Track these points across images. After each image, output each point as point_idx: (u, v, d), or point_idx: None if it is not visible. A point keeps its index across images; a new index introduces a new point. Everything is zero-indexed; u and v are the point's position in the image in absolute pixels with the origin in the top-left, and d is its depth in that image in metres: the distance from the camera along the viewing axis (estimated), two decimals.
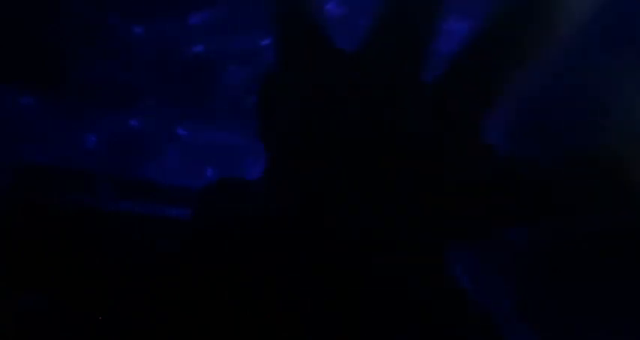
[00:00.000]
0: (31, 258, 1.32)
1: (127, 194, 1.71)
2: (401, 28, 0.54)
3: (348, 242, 0.51)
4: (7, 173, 1.56)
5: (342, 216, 0.53)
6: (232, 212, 0.65)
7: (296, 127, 0.54)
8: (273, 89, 0.66)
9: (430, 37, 0.52)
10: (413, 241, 0.50)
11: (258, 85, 0.72)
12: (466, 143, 0.49)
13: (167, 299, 0.69)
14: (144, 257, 1.32)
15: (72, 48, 1.81)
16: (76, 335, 1.19)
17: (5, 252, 1.27)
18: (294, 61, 0.59)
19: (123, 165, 1.97)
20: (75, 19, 1.77)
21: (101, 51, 1.95)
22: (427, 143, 0.49)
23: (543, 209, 0.50)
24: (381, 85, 0.51)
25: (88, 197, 1.64)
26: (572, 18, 0.53)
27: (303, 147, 0.53)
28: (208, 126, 2.51)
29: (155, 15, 1.93)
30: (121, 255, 1.39)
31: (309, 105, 0.54)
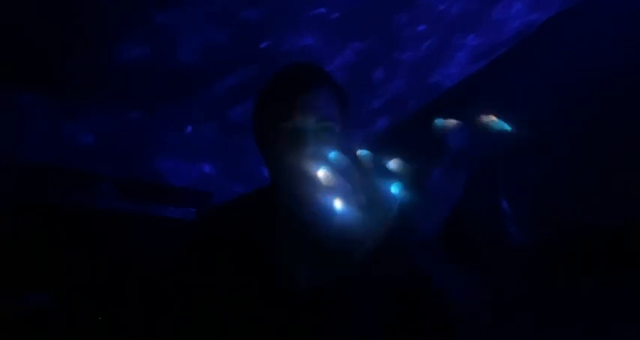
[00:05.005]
0: (31, 258, 1.32)
1: (127, 194, 1.70)
2: None
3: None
4: (7, 173, 1.56)
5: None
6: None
7: None
8: None
9: None
10: None
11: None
12: None
13: (167, 298, 0.69)
14: (144, 257, 1.32)
15: (72, 47, 1.81)
16: (76, 334, 1.19)
17: (5, 252, 1.27)
18: None
19: (122, 164, 1.97)
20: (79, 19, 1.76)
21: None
22: None
23: None
24: None
25: (88, 197, 1.64)
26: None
27: None
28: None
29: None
30: (121, 255, 1.39)
31: None
